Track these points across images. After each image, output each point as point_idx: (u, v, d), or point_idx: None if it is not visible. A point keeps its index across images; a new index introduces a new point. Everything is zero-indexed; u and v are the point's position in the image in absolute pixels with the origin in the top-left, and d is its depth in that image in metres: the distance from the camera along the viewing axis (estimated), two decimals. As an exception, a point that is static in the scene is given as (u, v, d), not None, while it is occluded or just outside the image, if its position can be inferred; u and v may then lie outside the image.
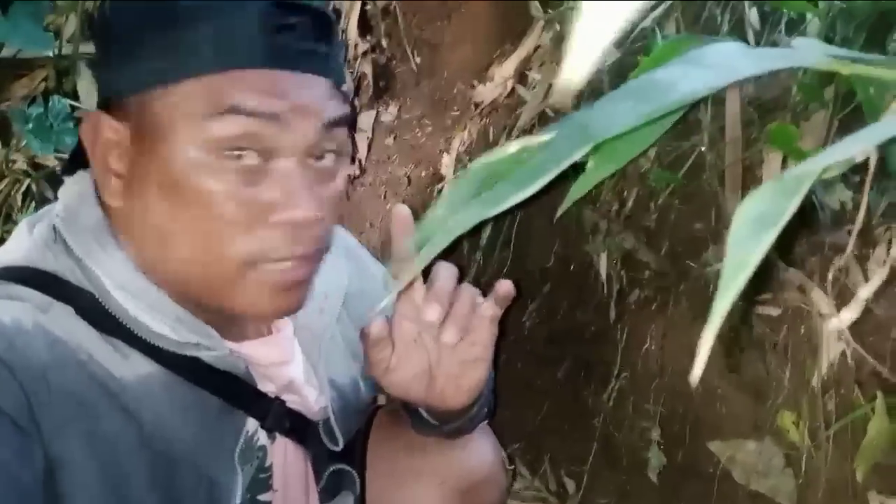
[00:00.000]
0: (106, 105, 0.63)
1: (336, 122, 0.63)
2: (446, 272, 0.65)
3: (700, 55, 0.39)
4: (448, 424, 0.73)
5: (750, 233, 0.24)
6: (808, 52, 0.38)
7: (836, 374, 1.11)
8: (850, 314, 0.41)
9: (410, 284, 0.66)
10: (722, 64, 0.36)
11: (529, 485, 1.28)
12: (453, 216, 0.31)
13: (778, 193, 0.25)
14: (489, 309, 0.65)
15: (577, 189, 0.42)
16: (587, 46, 0.22)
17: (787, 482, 1.11)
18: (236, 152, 0.59)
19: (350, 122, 0.65)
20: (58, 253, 0.63)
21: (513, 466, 1.26)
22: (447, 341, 0.64)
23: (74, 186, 0.66)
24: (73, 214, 0.64)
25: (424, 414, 0.73)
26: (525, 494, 1.26)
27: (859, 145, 0.29)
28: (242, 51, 0.59)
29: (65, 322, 0.60)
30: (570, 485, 1.27)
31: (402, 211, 0.64)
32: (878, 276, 0.33)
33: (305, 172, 0.61)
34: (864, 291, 0.37)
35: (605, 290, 1.21)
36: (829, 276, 1.10)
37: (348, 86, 0.66)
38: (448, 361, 0.67)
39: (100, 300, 0.62)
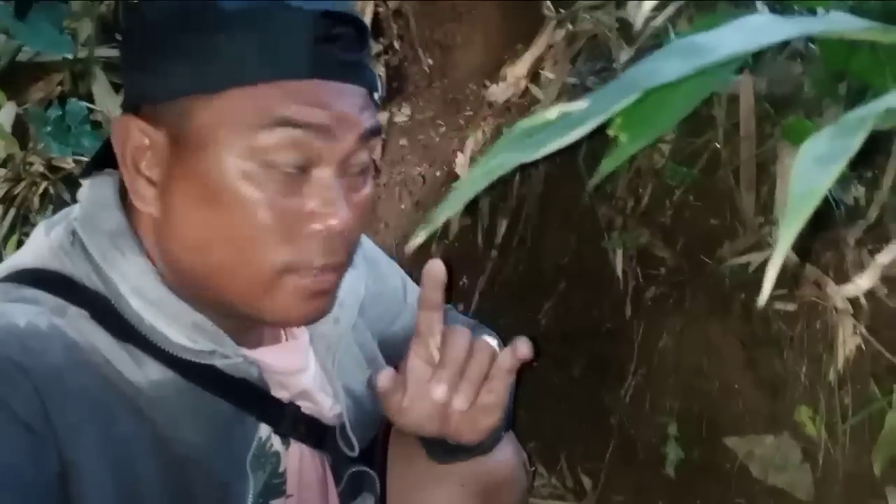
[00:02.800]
0: (135, 108, 0.62)
1: (372, 131, 0.63)
2: (461, 340, 0.64)
3: (739, 23, 0.40)
4: (463, 454, 0.72)
5: (813, 168, 0.25)
6: (841, 19, 0.39)
7: (852, 368, 1.11)
8: (866, 281, 0.41)
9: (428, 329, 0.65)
10: (761, 28, 0.37)
11: (546, 482, 1.29)
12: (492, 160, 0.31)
13: (839, 134, 0.25)
14: (507, 360, 0.65)
15: (609, 162, 0.42)
16: None
17: (805, 476, 1.12)
18: (281, 162, 0.59)
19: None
20: (74, 257, 0.62)
21: (534, 468, 1.26)
22: (457, 408, 0.64)
23: (94, 189, 0.65)
24: (93, 218, 0.64)
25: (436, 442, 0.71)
26: (542, 492, 1.27)
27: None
28: (290, 61, 0.58)
29: (80, 326, 0.60)
30: (587, 482, 1.27)
31: (437, 267, 0.64)
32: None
33: (341, 181, 0.62)
34: (883, 257, 0.37)
35: (621, 287, 1.22)
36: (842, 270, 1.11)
37: (379, 93, 0.67)
38: None
39: (115, 306, 0.61)
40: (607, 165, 0.48)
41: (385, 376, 0.65)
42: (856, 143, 0.26)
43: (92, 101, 1.37)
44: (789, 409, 1.12)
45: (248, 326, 0.67)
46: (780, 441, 1.13)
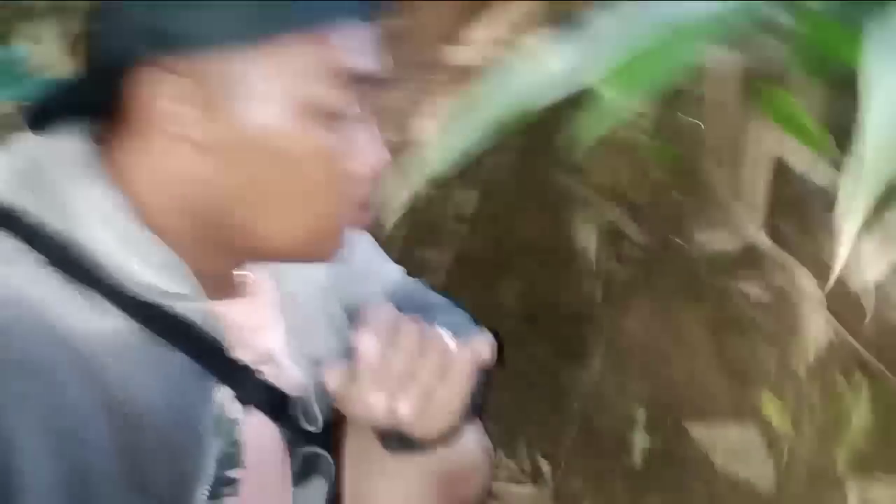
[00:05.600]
0: (152, 56, 0.57)
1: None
2: (409, 337, 0.60)
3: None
4: (420, 447, 0.67)
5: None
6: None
7: (821, 359, 1.11)
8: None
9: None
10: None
11: (504, 465, 1.27)
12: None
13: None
14: (467, 353, 0.61)
15: (596, 123, 0.38)
16: None
17: (768, 467, 1.12)
18: (337, 111, 0.59)
19: None
20: (32, 187, 0.58)
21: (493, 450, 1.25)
22: (403, 414, 0.60)
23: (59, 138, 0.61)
24: (59, 149, 0.60)
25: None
26: (499, 475, 1.25)
27: None
28: (341, 4, 0.58)
29: (30, 272, 0.56)
30: (546, 466, 1.25)
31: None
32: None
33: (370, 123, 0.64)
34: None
35: (589, 267, 1.20)
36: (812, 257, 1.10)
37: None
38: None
39: (76, 244, 0.57)
40: (594, 127, 0.44)
41: (334, 375, 0.61)
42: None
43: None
44: (755, 399, 1.11)
45: (218, 277, 0.65)
46: (744, 431, 1.13)
